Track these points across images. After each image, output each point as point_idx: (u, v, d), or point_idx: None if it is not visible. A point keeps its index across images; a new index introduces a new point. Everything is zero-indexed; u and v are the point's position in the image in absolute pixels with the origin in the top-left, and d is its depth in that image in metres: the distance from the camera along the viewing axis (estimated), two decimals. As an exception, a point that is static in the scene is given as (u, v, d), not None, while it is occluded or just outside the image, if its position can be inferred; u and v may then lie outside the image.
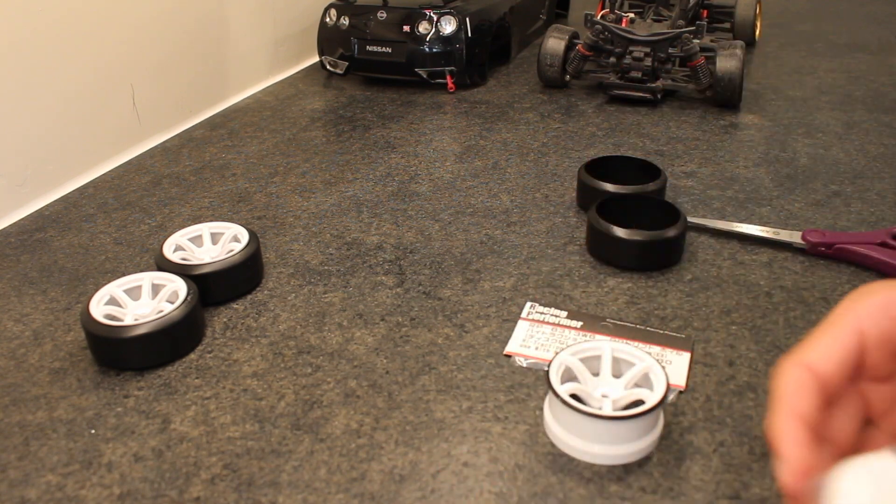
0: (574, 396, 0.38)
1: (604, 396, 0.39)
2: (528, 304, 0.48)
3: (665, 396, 0.37)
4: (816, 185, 0.64)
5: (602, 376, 0.40)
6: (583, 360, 0.40)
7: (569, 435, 0.37)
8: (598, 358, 0.40)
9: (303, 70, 0.99)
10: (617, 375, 0.40)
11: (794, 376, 0.24)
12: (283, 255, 0.56)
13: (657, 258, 0.53)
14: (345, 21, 0.89)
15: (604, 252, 0.53)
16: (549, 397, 0.38)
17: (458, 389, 0.42)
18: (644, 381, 0.39)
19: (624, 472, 0.36)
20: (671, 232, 0.52)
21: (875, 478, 0.23)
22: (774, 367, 0.25)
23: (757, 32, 1.04)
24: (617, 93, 0.83)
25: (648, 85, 0.81)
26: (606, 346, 0.40)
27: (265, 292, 0.52)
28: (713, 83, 0.79)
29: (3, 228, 0.62)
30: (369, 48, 0.88)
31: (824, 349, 0.25)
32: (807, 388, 0.24)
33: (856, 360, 0.25)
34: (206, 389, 0.43)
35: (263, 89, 0.92)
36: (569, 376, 0.39)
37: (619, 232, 0.51)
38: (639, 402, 0.37)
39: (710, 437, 0.38)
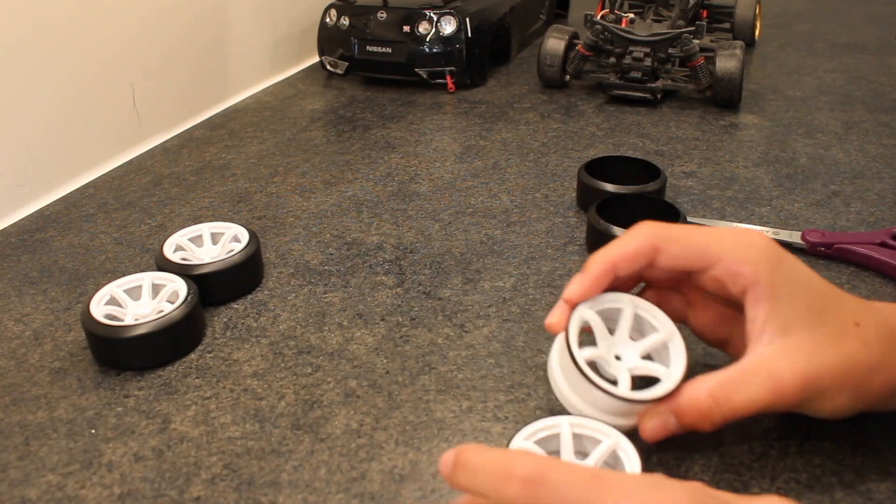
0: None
1: (617, 359, 0.37)
2: None
3: (684, 377, 0.35)
4: (816, 185, 0.64)
5: (618, 336, 0.38)
6: (600, 314, 0.37)
7: (582, 402, 0.35)
8: (618, 311, 0.38)
9: (303, 70, 0.99)
10: (634, 338, 0.38)
11: (600, 264, 0.37)
12: (283, 255, 0.56)
13: (657, 258, 0.52)
14: (345, 21, 0.89)
15: (604, 252, 0.53)
16: (562, 355, 0.36)
17: (458, 389, 0.42)
18: (661, 353, 0.37)
19: (624, 471, 0.36)
20: (671, 232, 0.51)
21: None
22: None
23: (757, 33, 1.04)
24: (617, 93, 0.83)
25: (648, 85, 0.81)
26: (628, 300, 0.38)
27: (265, 292, 0.52)
28: (713, 83, 0.79)
29: (3, 228, 0.62)
30: (369, 48, 0.88)
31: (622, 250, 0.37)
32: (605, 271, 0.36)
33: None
34: (206, 389, 0.43)
35: (263, 89, 0.92)
36: (584, 336, 0.37)
37: (619, 232, 0.51)
38: (652, 380, 0.36)
39: (710, 437, 0.38)
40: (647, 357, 0.38)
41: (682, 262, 0.36)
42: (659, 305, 0.39)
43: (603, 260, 0.36)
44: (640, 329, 0.38)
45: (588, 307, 0.37)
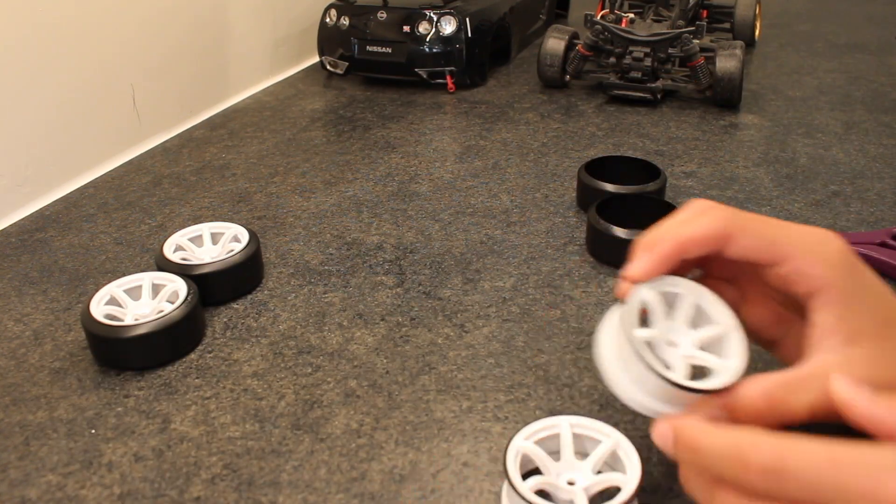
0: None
1: (671, 345, 0.35)
2: None
3: (744, 373, 0.32)
4: (816, 186, 0.64)
5: (675, 322, 0.35)
6: (661, 294, 0.35)
7: (631, 383, 0.33)
8: (676, 296, 0.35)
9: (303, 70, 0.99)
10: (691, 324, 0.35)
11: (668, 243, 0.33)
12: (283, 255, 0.56)
13: (657, 258, 0.52)
14: (345, 21, 0.89)
15: (604, 252, 0.53)
16: (618, 334, 0.33)
17: (458, 389, 0.42)
18: (716, 346, 0.35)
19: (624, 471, 0.36)
20: (671, 232, 0.51)
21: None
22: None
23: (757, 33, 1.04)
24: (617, 93, 0.83)
25: (648, 85, 0.81)
26: (689, 286, 0.35)
27: (265, 292, 0.52)
28: (713, 83, 0.79)
29: (4, 228, 0.62)
30: (369, 48, 0.88)
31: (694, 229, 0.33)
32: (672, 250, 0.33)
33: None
34: (206, 389, 0.43)
35: (263, 89, 0.92)
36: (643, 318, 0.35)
37: (619, 232, 0.52)
38: (702, 372, 0.34)
39: (710, 437, 0.38)
40: (702, 349, 0.35)
41: (751, 253, 0.33)
42: None
43: (673, 238, 0.33)
44: (697, 318, 0.35)
45: (649, 287, 0.34)
